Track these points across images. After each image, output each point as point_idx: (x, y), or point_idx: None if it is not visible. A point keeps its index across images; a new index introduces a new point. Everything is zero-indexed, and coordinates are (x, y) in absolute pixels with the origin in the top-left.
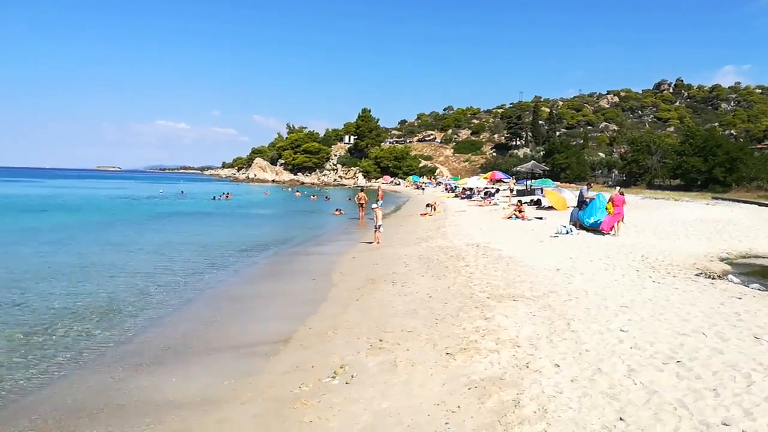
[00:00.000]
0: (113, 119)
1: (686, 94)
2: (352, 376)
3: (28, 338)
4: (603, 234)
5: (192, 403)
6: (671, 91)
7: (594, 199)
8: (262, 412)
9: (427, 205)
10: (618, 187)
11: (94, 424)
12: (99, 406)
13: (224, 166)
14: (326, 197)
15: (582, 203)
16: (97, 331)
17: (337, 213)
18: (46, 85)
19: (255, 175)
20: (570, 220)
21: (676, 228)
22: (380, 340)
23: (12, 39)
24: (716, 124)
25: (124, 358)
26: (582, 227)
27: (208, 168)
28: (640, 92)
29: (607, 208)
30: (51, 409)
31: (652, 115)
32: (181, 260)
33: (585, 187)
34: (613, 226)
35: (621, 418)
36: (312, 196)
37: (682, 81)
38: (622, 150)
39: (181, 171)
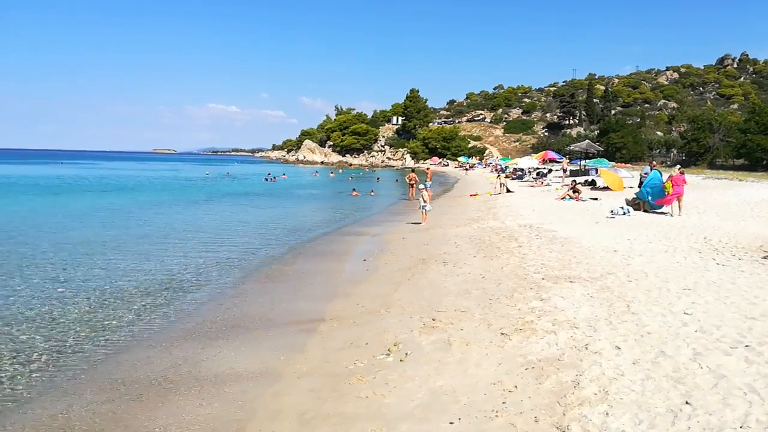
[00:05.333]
0: (169, 102)
1: (752, 69)
2: (407, 354)
3: (95, 312)
4: (654, 207)
5: (250, 377)
6: (735, 66)
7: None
8: (318, 387)
9: (502, 181)
10: (678, 166)
11: (156, 395)
12: (162, 377)
13: (274, 148)
14: (377, 178)
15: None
16: (159, 306)
17: (354, 194)
18: (108, 70)
19: (304, 157)
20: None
21: (741, 209)
22: (433, 320)
23: (75, 26)
24: None
25: (185, 333)
26: (645, 208)
27: (259, 150)
28: (702, 68)
29: (665, 187)
30: (116, 379)
31: (714, 92)
32: (236, 239)
33: (647, 166)
34: (670, 202)
35: (687, 402)
36: (349, 178)
37: (747, 55)
38: (682, 128)
39: (232, 153)
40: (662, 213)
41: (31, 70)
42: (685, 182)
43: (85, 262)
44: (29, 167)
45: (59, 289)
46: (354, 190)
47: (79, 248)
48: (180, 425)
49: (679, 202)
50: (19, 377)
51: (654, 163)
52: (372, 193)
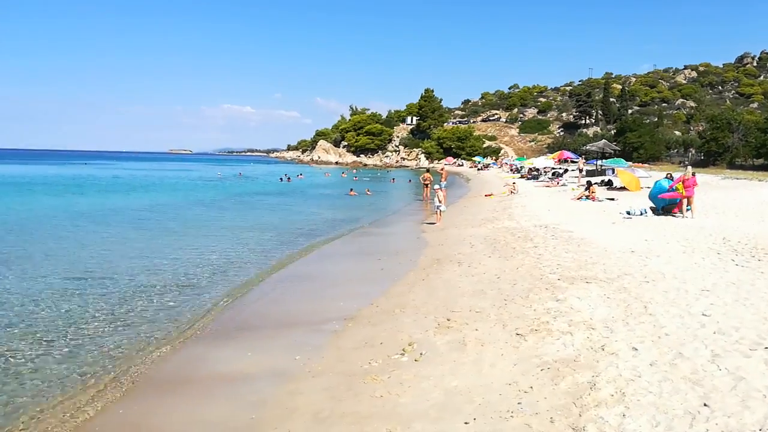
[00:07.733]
0: (185, 103)
1: None
2: (421, 354)
3: (109, 311)
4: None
5: (265, 376)
6: (755, 64)
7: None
8: (333, 386)
9: (512, 189)
10: (689, 167)
11: (170, 393)
12: (178, 376)
13: (289, 148)
14: (392, 179)
15: None
16: (175, 305)
17: (351, 194)
18: (124, 71)
19: (319, 157)
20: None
21: (761, 209)
22: (448, 320)
23: (92, 28)
24: None
25: (201, 333)
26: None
27: (274, 151)
28: (721, 66)
29: (677, 188)
30: (130, 377)
31: (733, 91)
32: (251, 239)
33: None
34: (679, 207)
35: (705, 404)
36: (354, 177)
37: (767, 53)
38: (700, 128)
39: (247, 154)
40: (675, 215)
41: (52, 72)
42: (696, 184)
43: (100, 260)
44: (58, 168)
45: (72, 287)
46: (351, 189)
47: (94, 246)
48: (195, 424)
49: (689, 204)
50: (32, 373)
51: (671, 174)
52: (368, 192)
